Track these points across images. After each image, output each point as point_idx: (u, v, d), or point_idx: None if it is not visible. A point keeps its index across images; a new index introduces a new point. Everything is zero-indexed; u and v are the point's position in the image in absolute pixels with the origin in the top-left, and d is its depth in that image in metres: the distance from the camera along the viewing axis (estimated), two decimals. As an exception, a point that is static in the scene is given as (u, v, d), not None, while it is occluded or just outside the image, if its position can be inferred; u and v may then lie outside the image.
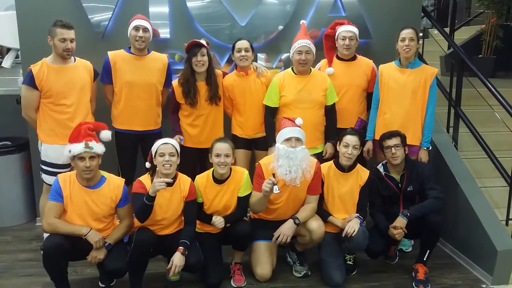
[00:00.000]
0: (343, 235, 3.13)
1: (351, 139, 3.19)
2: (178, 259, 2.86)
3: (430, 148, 3.60)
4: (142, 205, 2.84)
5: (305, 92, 3.46)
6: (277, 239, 3.12)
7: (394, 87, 3.52)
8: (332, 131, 3.56)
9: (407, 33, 3.44)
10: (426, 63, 3.72)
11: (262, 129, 3.60)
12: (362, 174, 3.31)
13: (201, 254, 3.01)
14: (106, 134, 3.12)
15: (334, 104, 3.56)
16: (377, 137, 3.51)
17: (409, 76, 3.50)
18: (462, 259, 3.55)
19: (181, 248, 2.89)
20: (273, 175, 3.03)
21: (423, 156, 3.55)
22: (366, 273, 3.35)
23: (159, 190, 2.80)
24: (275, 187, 2.98)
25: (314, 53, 3.48)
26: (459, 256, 3.60)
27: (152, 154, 2.99)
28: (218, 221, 3.06)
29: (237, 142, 3.62)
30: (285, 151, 3.03)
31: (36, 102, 3.31)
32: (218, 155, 3.05)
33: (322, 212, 3.30)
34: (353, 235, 3.08)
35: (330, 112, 3.57)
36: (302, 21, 3.68)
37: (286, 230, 3.11)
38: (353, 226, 3.10)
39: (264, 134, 3.59)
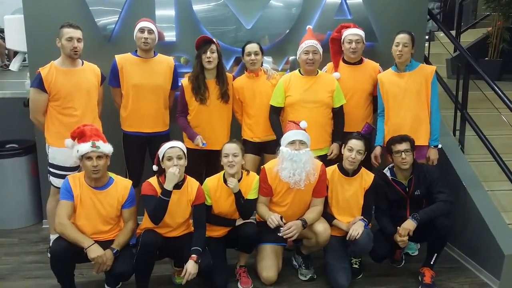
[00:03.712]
0: (347, 238, 3.12)
1: (356, 143, 3.17)
2: (192, 267, 2.85)
3: (440, 146, 3.56)
4: (158, 203, 2.86)
5: (310, 92, 3.45)
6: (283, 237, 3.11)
7: (397, 92, 3.50)
8: (340, 133, 3.52)
9: (401, 38, 3.42)
10: (431, 64, 3.70)
11: (272, 132, 3.58)
12: (366, 177, 3.29)
13: (210, 258, 3.00)
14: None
15: (342, 106, 3.54)
16: (385, 143, 3.48)
17: (409, 79, 3.49)
18: (469, 263, 3.53)
19: (194, 256, 2.88)
20: (281, 218, 3.07)
21: (432, 154, 3.51)
22: (372, 277, 3.34)
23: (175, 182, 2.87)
24: (280, 229, 3.04)
25: (321, 53, 3.48)
26: (466, 260, 3.58)
27: (159, 157, 3.00)
28: (232, 181, 3.05)
29: (246, 147, 3.59)
30: (289, 153, 3.04)
31: (44, 105, 3.32)
32: (226, 155, 3.07)
33: (327, 215, 3.29)
34: (357, 237, 3.08)
35: (338, 114, 3.55)
36: (308, 26, 3.70)
37: (294, 226, 3.08)
38: (357, 229, 3.10)
39: (274, 137, 3.54)
